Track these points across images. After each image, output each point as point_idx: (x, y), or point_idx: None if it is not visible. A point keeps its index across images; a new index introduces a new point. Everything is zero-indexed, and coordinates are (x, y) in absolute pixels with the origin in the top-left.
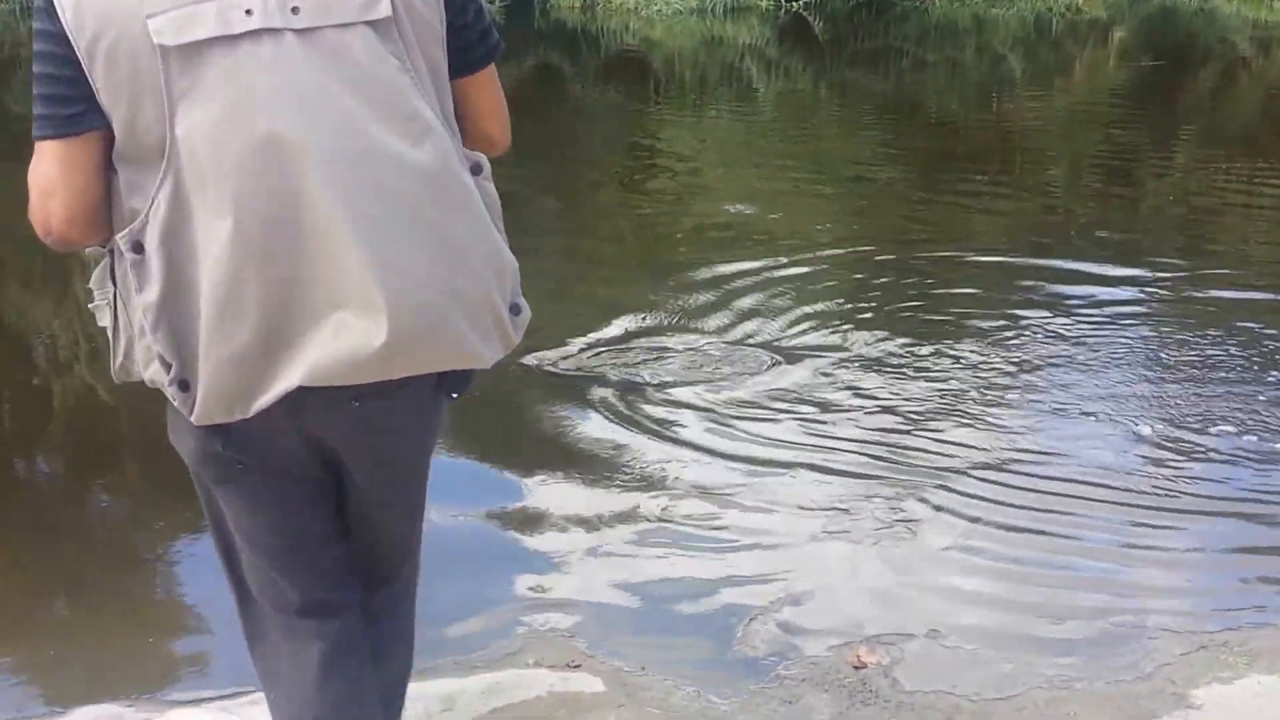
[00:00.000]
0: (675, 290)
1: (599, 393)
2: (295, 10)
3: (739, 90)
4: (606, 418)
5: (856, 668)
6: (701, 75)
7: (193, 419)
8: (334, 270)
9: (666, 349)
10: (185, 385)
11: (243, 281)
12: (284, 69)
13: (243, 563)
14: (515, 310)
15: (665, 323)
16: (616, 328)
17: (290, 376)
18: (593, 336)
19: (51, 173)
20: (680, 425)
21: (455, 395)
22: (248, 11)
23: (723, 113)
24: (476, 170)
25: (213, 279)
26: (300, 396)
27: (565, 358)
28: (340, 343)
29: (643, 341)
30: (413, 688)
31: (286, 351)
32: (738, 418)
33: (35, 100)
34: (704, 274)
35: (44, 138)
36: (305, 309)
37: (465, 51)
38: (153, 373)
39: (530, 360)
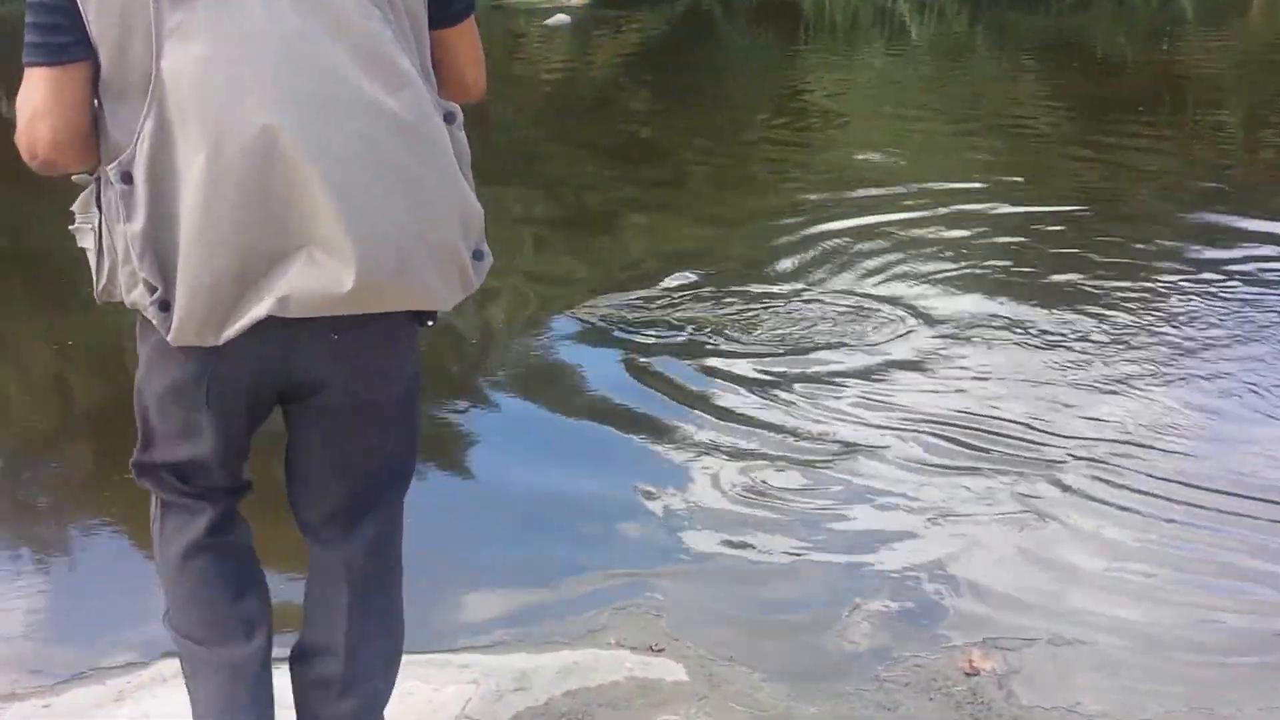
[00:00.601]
0: (807, 243)
1: (700, 350)
2: None
3: (890, 32)
4: (710, 377)
5: (968, 674)
6: (853, 17)
7: (169, 339)
8: (308, 210)
9: (785, 305)
10: (166, 306)
11: (218, 215)
12: (271, 14)
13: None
14: (478, 256)
15: (790, 276)
16: (740, 277)
17: (260, 308)
18: (712, 286)
19: (40, 98)
20: (791, 389)
21: (430, 322)
22: None
23: (873, 56)
24: (450, 119)
25: (190, 210)
26: (286, 331)
27: (677, 310)
28: (310, 279)
29: (759, 295)
30: (486, 661)
31: (259, 283)
32: (855, 383)
33: (27, 28)
34: (842, 224)
35: (34, 64)
36: (279, 244)
37: (447, 4)
38: (136, 295)
39: (636, 305)
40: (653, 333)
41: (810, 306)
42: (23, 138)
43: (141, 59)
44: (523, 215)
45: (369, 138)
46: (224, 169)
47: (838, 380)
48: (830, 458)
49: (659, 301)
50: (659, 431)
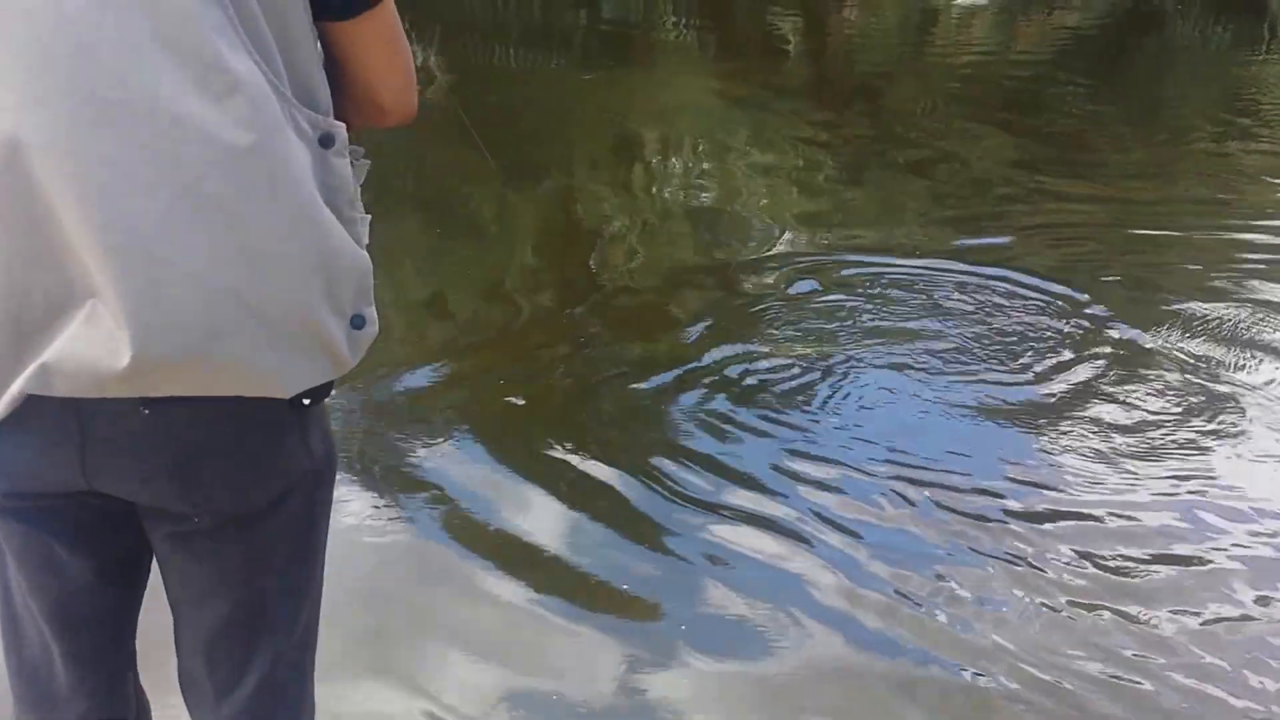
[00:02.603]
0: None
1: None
2: None
3: None
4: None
5: None
6: None
7: None
8: (79, 251)
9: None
10: None
11: None
12: None
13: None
14: (358, 323)
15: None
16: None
17: (17, 382)
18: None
19: None
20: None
21: (307, 401)
22: None
23: None
24: (326, 142)
25: None
26: (81, 406)
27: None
28: (81, 345)
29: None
30: None
31: (34, 339)
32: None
33: None
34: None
35: None
36: (62, 290)
37: None
38: None
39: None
40: None
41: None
42: None
43: None
44: (927, 213)
45: (169, 159)
46: None
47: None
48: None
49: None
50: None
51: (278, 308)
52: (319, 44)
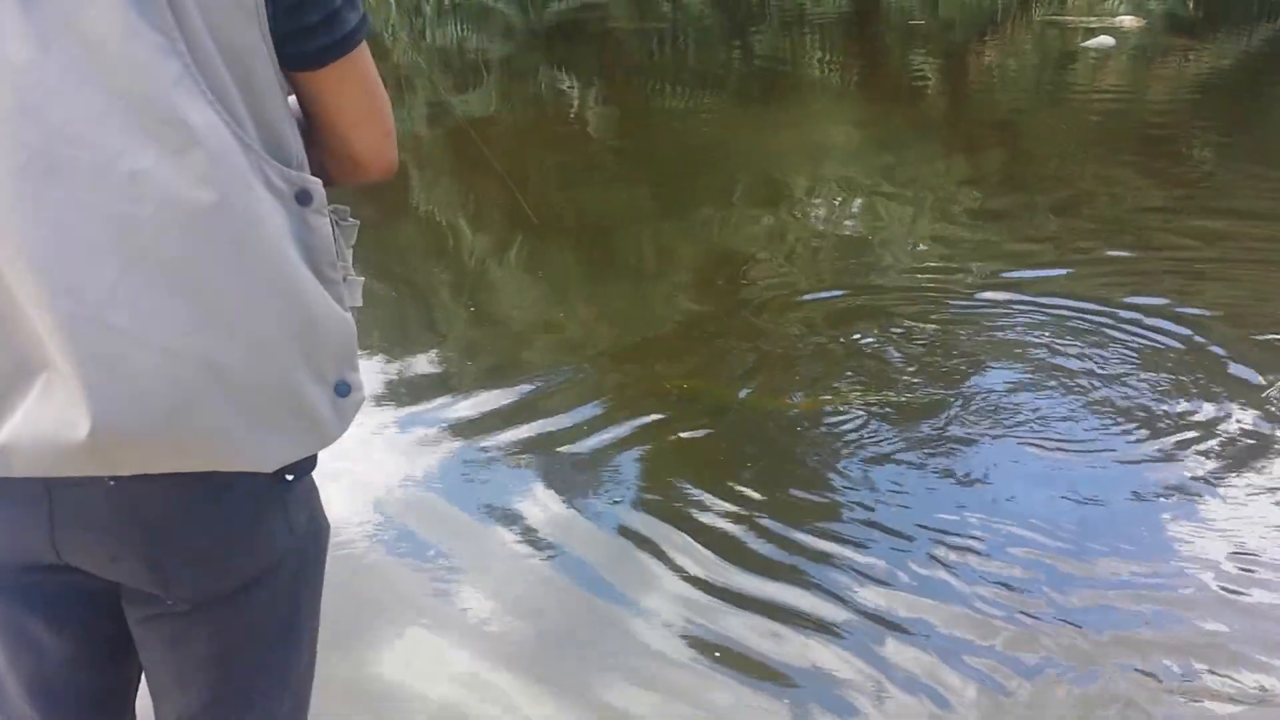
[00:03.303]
0: None
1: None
2: None
3: None
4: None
5: None
6: None
7: None
8: (30, 321)
9: None
10: None
11: None
12: None
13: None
14: (342, 390)
15: None
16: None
17: None
18: None
19: None
20: None
21: (290, 476)
22: None
23: None
24: (303, 199)
25: None
26: (49, 479)
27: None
28: (38, 420)
29: None
30: None
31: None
32: None
33: None
34: None
35: None
36: (5, 369)
37: (301, 37)
38: None
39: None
40: None
41: None
42: None
43: None
44: (1062, 252)
45: (122, 220)
46: None
47: None
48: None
49: None
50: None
51: (252, 377)
52: (289, 95)
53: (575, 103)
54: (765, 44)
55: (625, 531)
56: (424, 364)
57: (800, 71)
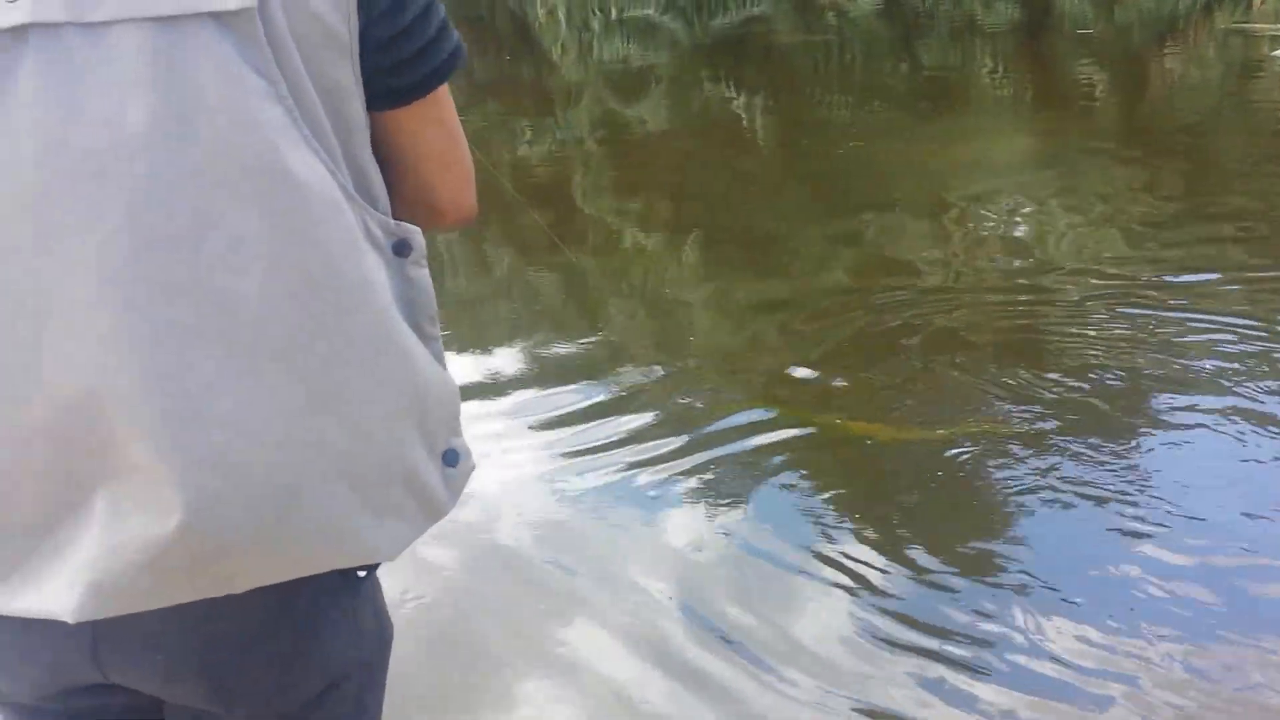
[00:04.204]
0: None
1: None
2: None
3: None
4: None
5: None
6: None
7: None
8: (100, 422)
9: None
10: None
11: None
12: (54, 90)
13: None
14: (451, 459)
15: None
16: None
17: (44, 594)
18: None
19: None
20: None
21: (362, 572)
22: None
23: None
24: (401, 250)
25: None
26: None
27: None
28: (113, 544)
29: None
30: None
31: (50, 543)
32: None
33: None
34: None
35: None
36: (77, 474)
37: (393, 72)
38: None
39: None
40: None
41: None
42: None
43: None
44: (1243, 269)
45: (222, 295)
46: None
47: None
48: None
49: None
50: None
51: (368, 457)
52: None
53: (740, 114)
54: (934, 54)
55: (777, 559)
56: (580, 370)
57: (970, 82)
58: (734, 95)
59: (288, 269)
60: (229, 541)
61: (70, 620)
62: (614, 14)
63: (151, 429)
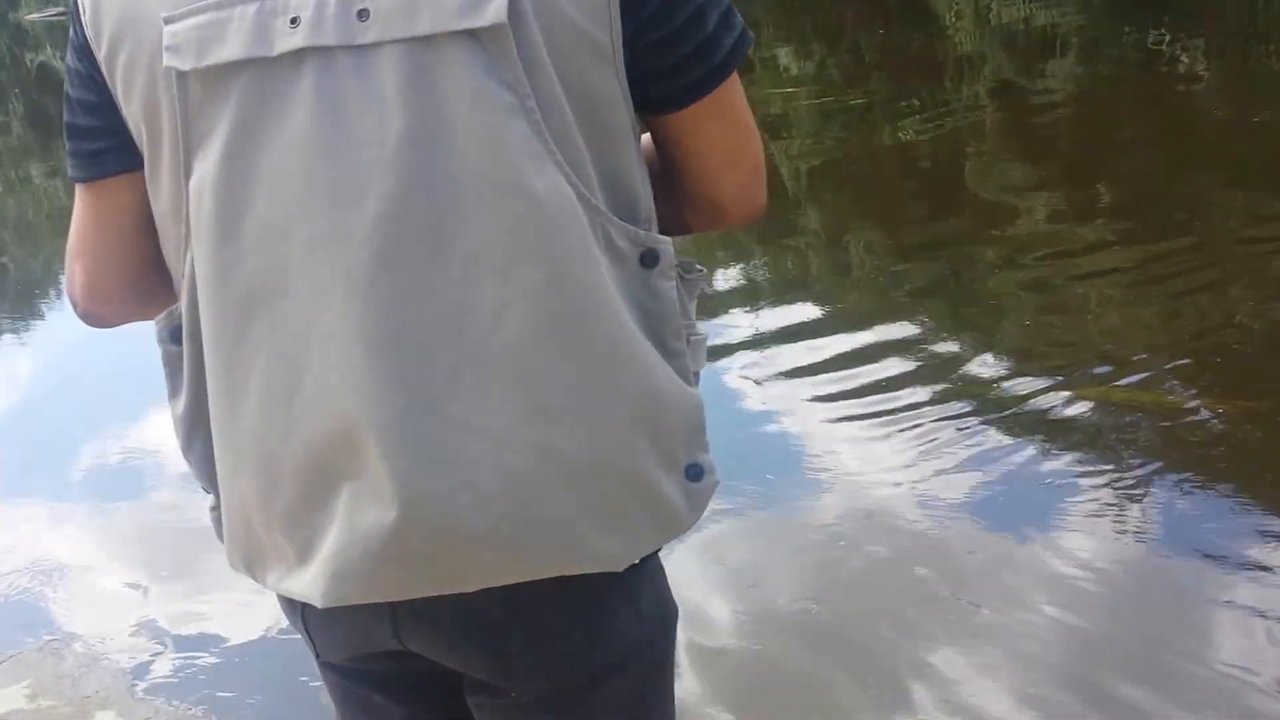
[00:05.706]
0: None
1: None
2: (363, 14)
3: None
4: None
5: None
6: None
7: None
8: (341, 422)
9: None
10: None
11: (242, 409)
12: (325, 112)
13: None
14: (694, 474)
15: None
16: None
17: (303, 580)
18: None
19: (80, 226)
20: None
21: (635, 560)
22: (293, 21)
23: None
24: (649, 261)
25: (215, 395)
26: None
27: None
28: (351, 538)
29: None
30: None
31: (310, 531)
32: None
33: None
34: None
35: (73, 180)
36: (328, 469)
37: (665, 76)
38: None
39: None
40: None
41: None
42: (66, 281)
43: (171, 170)
44: None
45: (460, 305)
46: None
47: None
48: None
49: None
50: None
51: (596, 465)
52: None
53: (1166, 69)
54: None
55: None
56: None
57: None
58: (1164, 48)
59: (519, 281)
60: (452, 539)
61: (319, 605)
62: None
63: (382, 428)
